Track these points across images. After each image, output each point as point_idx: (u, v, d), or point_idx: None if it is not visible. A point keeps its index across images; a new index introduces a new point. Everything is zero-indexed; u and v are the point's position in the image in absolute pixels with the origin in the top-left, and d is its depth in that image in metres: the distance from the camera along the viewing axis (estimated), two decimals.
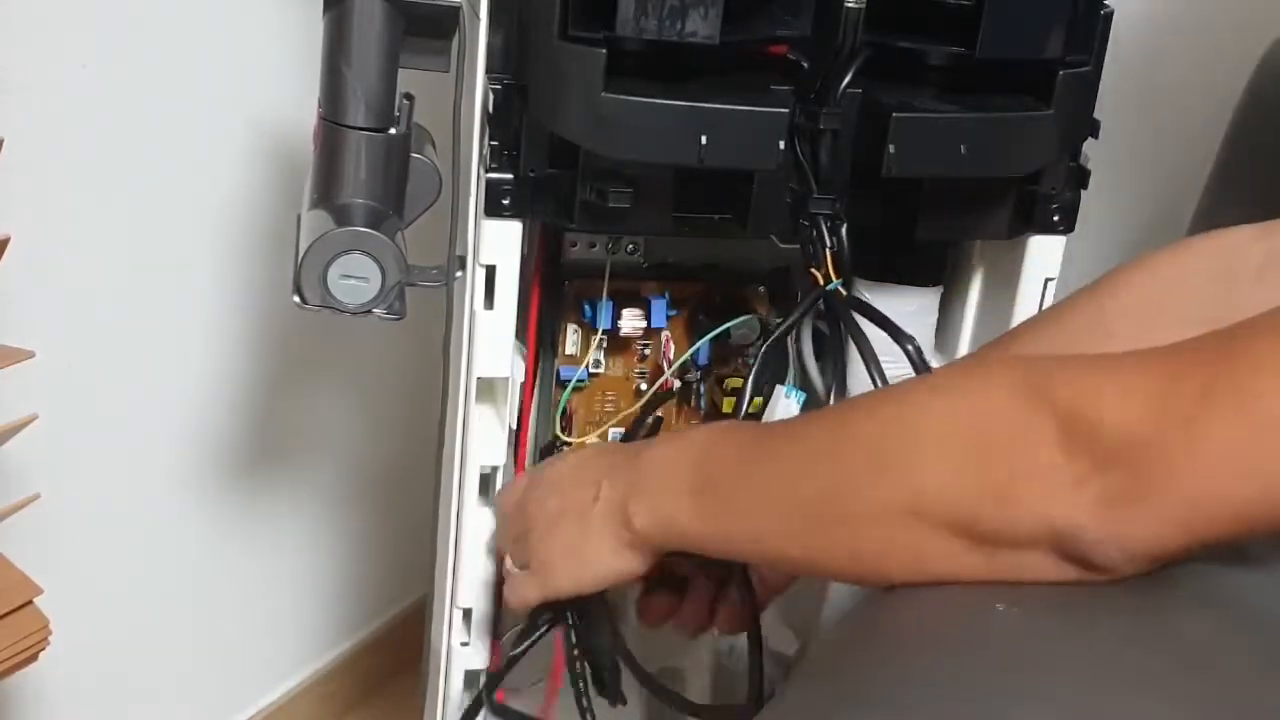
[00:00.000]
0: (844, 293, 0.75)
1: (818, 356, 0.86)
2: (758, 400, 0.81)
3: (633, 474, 0.66)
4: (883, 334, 0.86)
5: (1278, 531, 0.50)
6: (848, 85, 0.74)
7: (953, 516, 0.53)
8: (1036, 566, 0.52)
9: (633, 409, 0.88)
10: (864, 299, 0.77)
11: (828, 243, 0.75)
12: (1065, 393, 0.51)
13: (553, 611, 0.75)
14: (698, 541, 0.63)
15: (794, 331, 0.84)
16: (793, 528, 0.59)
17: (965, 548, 0.53)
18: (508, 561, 0.74)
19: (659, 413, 0.87)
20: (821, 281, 0.75)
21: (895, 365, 0.86)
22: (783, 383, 0.83)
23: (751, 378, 0.79)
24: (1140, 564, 0.51)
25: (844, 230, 0.76)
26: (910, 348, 0.75)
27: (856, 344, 0.76)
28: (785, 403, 0.80)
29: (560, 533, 0.68)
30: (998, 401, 0.53)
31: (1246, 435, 0.48)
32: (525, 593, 0.72)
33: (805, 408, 0.80)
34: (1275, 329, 0.49)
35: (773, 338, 0.80)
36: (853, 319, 0.76)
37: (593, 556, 0.67)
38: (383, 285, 0.73)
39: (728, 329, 0.86)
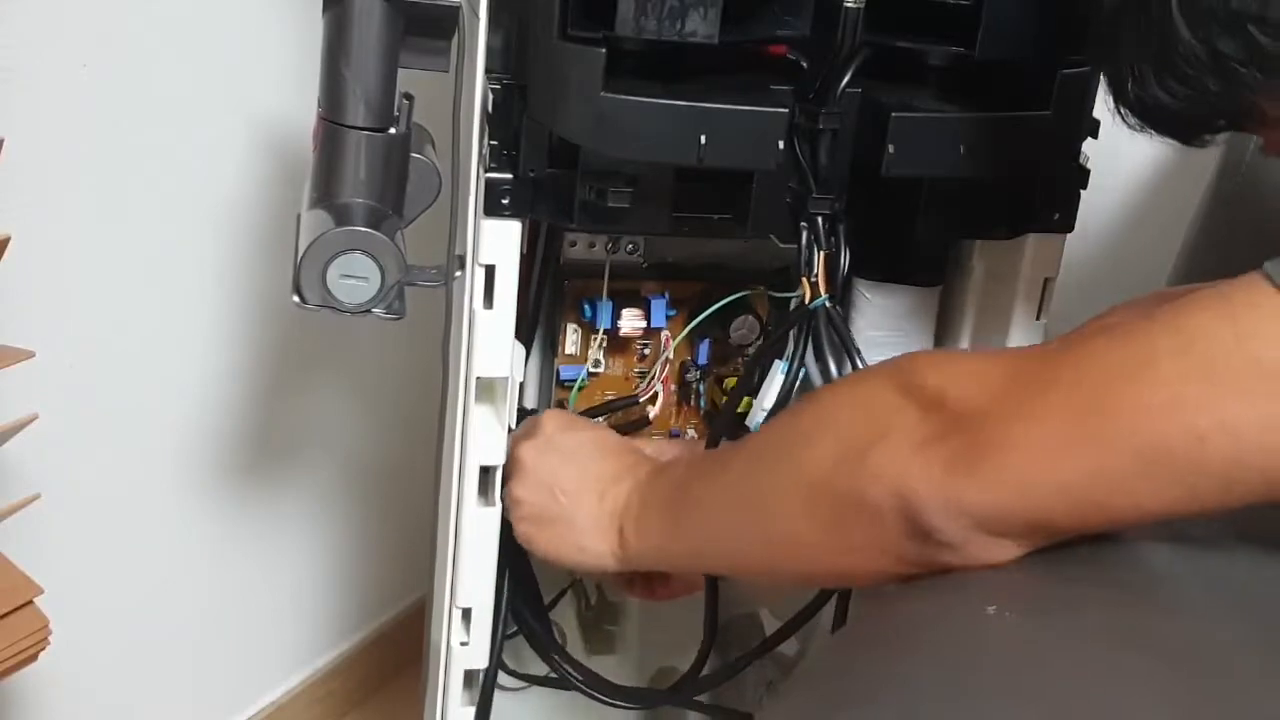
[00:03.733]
0: (830, 308, 0.76)
1: (816, 358, 0.86)
2: (748, 400, 0.82)
3: (630, 496, 0.74)
4: (884, 333, 0.86)
5: (1116, 525, 0.54)
6: (847, 85, 0.74)
7: (829, 491, 0.59)
8: (893, 542, 0.57)
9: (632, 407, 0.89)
10: (836, 319, 0.78)
11: (824, 244, 0.75)
12: (928, 378, 0.58)
13: None
14: (671, 566, 0.76)
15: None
16: (734, 537, 0.67)
17: (840, 523, 0.59)
18: (515, 507, 0.79)
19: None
20: (809, 296, 0.75)
21: None
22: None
23: (740, 384, 0.82)
24: (983, 541, 0.55)
25: (843, 230, 0.76)
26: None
27: (847, 353, 0.77)
28: (778, 378, 0.81)
29: (556, 506, 0.77)
30: (873, 387, 0.61)
31: (1072, 420, 0.53)
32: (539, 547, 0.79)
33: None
34: (1108, 330, 0.55)
35: (757, 353, 0.83)
36: (841, 333, 0.77)
37: (588, 547, 0.76)
38: (382, 285, 0.73)
39: (722, 318, 0.86)
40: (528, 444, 0.79)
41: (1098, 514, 0.54)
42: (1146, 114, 0.58)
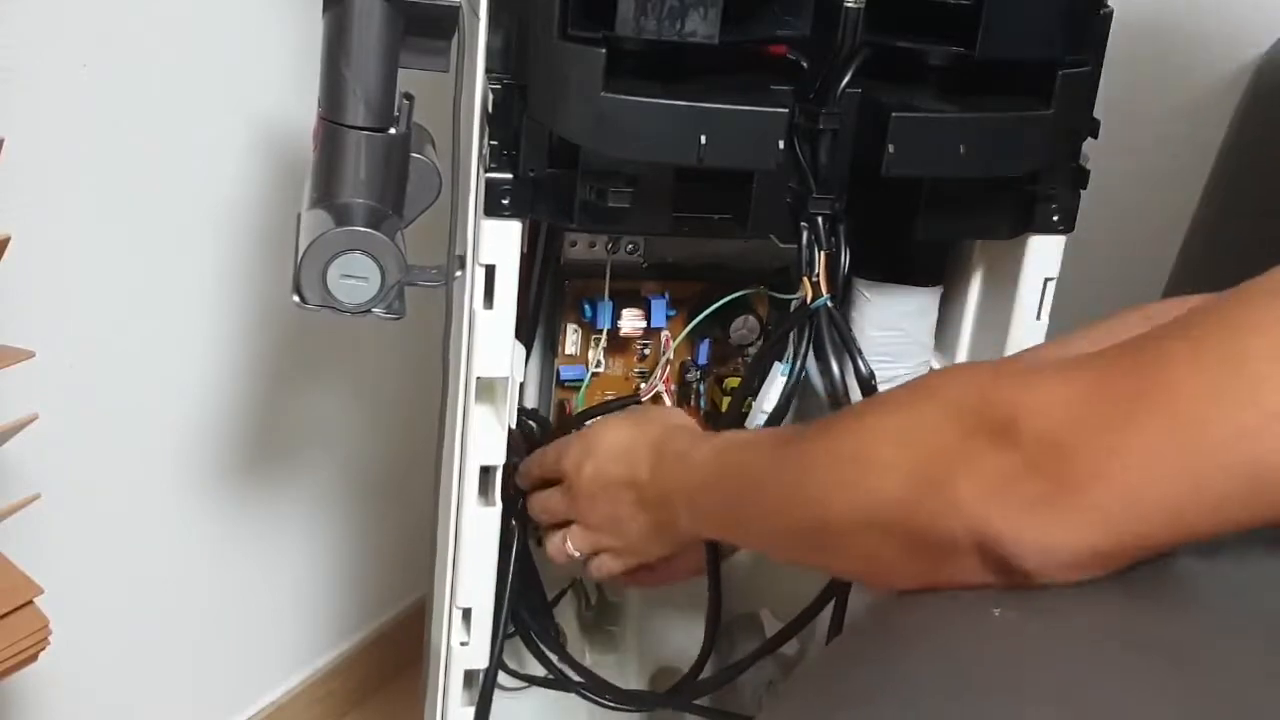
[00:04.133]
0: (831, 308, 0.76)
1: (818, 357, 0.86)
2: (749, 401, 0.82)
3: (668, 480, 0.75)
4: (884, 333, 0.86)
5: (1216, 533, 0.51)
6: (847, 85, 0.74)
7: (899, 525, 0.56)
8: (970, 574, 0.54)
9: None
10: (838, 319, 0.78)
11: (824, 245, 0.75)
12: (994, 404, 0.54)
13: None
14: (726, 542, 0.78)
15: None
16: (790, 543, 0.66)
17: (912, 555, 0.56)
18: (569, 544, 0.82)
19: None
20: (810, 296, 0.75)
21: (893, 365, 0.86)
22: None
23: (742, 385, 0.82)
24: (1068, 570, 0.52)
25: (843, 230, 0.76)
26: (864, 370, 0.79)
27: (849, 354, 0.77)
28: (778, 381, 0.82)
29: (600, 515, 0.79)
30: (936, 417, 0.56)
31: (1167, 437, 0.49)
32: (609, 567, 0.82)
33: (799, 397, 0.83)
34: (1183, 334, 0.51)
35: (759, 354, 0.82)
36: (842, 334, 0.77)
37: (646, 542, 0.78)
38: (382, 285, 0.73)
39: (722, 318, 0.86)
40: (568, 457, 0.80)
41: (1196, 534, 0.51)
42: None
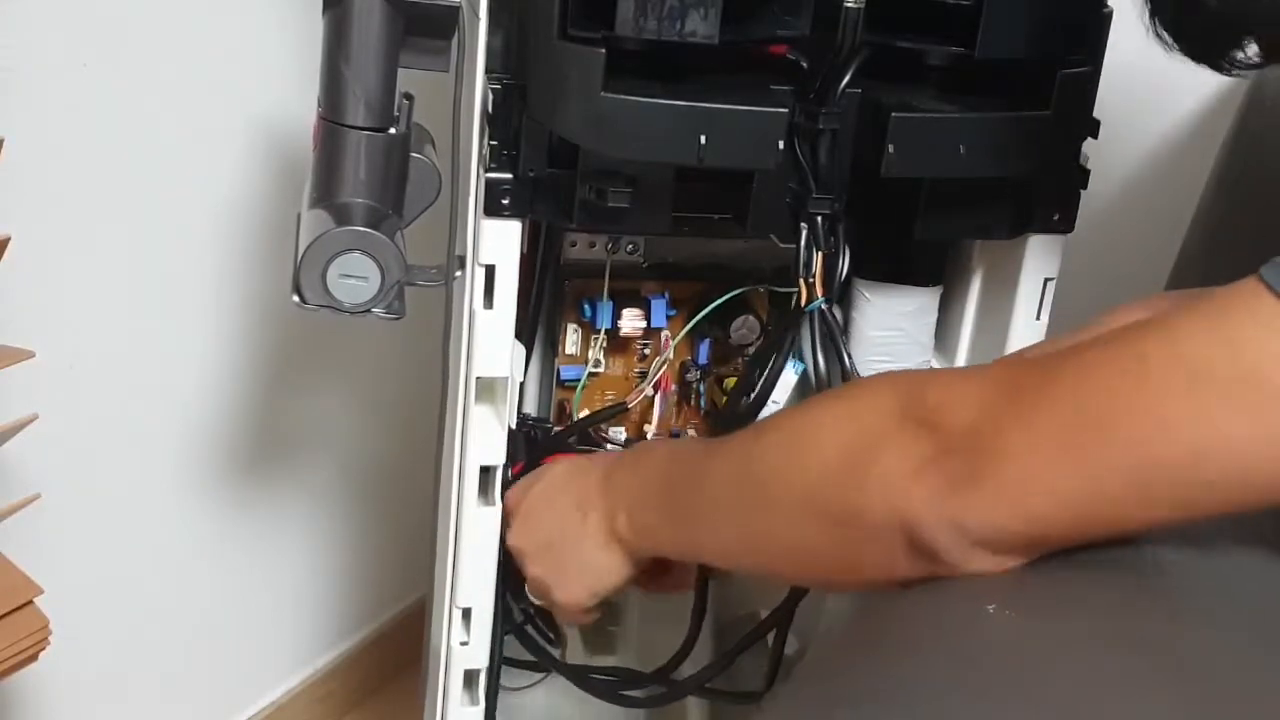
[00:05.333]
0: (825, 310, 0.76)
1: (811, 360, 0.86)
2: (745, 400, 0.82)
3: (611, 495, 0.75)
4: (884, 333, 0.86)
5: (1117, 531, 0.54)
6: (847, 85, 0.74)
7: (829, 503, 0.59)
8: (895, 558, 0.57)
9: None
10: (831, 322, 0.79)
11: (823, 245, 0.75)
12: (925, 394, 0.57)
13: None
14: (670, 551, 0.74)
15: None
16: (731, 535, 0.68)
17: (842, 539, 0.59)
18: (534, 585, 0.81)
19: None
20: (805, 298, 0.75)
21: (893, 365, 0.86)
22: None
23: (740, 384, 0.83)
24: (976, 551, 0.55)
25: (842, 230, 0.76)
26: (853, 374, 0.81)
27: (839, 357, 0.77)
28: (790, 379, 0.83)
29: (561, 560, 0.78)
30: (873, 405, 0.60)
31: (1067, 432, 0.52)
32: (564, 616, 0.82)
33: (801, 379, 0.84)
34: (1102, 339, 0.54)
35: (757, 353, 0.83)
36: (834, 337, 0.77)
37: (604, 569, 0.76)
38: (382, 284, 0.73)
39: (722, 319, 0.86)
40: (512, 534, 0.80)
41: (1096, 528, 0.54)
42: (1184, 27, 0.57)
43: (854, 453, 0.59)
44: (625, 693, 0.94)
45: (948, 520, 0.54)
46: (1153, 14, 0.59)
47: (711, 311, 0.86)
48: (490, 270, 0.76)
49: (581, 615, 0.80)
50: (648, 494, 0.73)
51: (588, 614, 0.80)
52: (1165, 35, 0.59)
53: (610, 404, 0.89)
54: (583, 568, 0.77)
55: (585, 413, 0.88)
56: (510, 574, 0.83)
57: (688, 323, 0.87)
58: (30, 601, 0.79)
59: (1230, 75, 0.61)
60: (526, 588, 0.82)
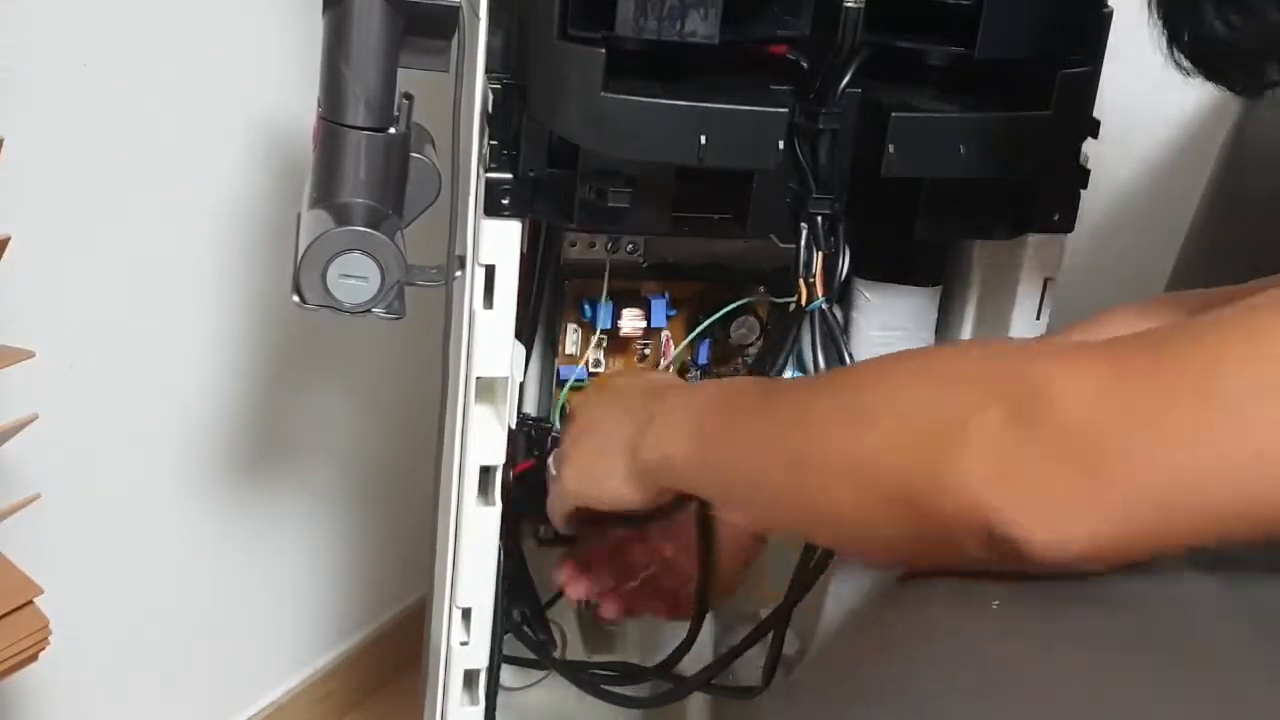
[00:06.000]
0: (825, 310, 0.76)
1: (811, 361, 0.86)
2: None
3: (651, 412, 0.69)
4: (884, 333, 0.86)
5: (1225, 539, 0.48)
6: (847, 85, 0.74)
7: (892, 486, 0.52)
8: (969, 554, 0.51)
9: None
10: (830, 322, 0.78)
11: (823, 245, 0.75)
12: (1025, 377, 0.50)
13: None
14: (688, 482, 0.67)
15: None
16: (764, 486, 0.61)
17: (907, 529, 0.52)
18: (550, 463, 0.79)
19: None
20: (805, 298, 0.75)
21: None
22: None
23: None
24: (1074, 562, 0.49)
25: (842, 230, 0.76)
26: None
27: (840, 358, 0.77)
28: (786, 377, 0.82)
29: (584, 446, 0.74)
30: (954, 371, 0.53)
31: (1200, 440, 0.46)
32: (551, 500, 0.78)
33: None
34: (1223, 325, 0.48)
35: (759, 354, 0.83)
36: (834, 337, 0.77)
37: (603, 476, 0.72)
38: (382, 284, 0.73)
39: (722, 318, 0.86)
40: (575, 396, 0.79)
41: (1204, 540, 0.49)
42: (1202, 54, 0.55)
43: (927, 429, 0.52)
44: (625, 690, 0.94)
45: (1047, 532, 0.48)
46: (1169, 41, 0.56)
47: (702, 301, 0.86)
48: (490, 270, 0.76)
49: (562, 512, 0.77)
50: (683, 425, 0.67)
51: (569, 517, 0.77)
52: (1183, 62, 0.56)
53: None
54: (592, 467, 0.73)
55: None
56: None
57: (688, 323, 0.87)
58: (30, 601, 0.79)
59: (1250, 97, 0.59)
60: (551, 461, 0.79)
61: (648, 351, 0.88)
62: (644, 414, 0.70)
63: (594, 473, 0.73)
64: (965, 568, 0.53)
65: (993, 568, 0.51)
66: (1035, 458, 0.48)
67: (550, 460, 0.79)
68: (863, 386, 0.58)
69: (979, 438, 0.49)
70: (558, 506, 0.78)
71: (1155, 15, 0.56)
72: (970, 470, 0.49)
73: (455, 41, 0.73)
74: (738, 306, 0.86)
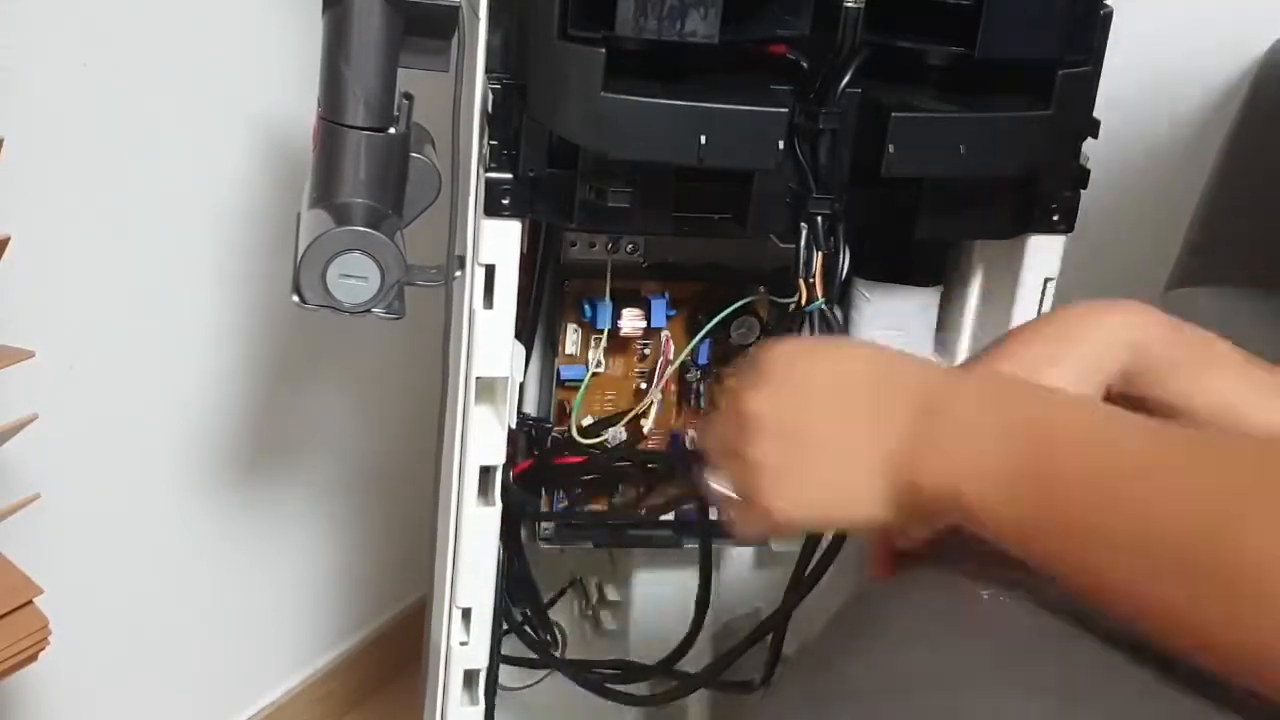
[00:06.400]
0: (825, 311, 0.76)
1: None
2: None
3: (929, 425, 0.55)
4: (884, 333, 0.86)
5: None
6: (847, 85, 0.74)
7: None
8: None
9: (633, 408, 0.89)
10: (833, 321, 0.78)
11: (823, 245, 0.75)
12: None
13: None
14: (994, 531, 0.53)
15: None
16: (1151, 572, 0.47)
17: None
18: (716, 478, 0.62)
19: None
20: (806, 299, 0.75)
21: None
22: None
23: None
24: None
25: (842, 230, 0.76)
26: None
27: None
28: None
29: (806, 462, 0.58)
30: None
31: None
32: (748, 524, 0.61)
33: None
34: None
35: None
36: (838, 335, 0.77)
37: (855, 498, 0.57)
38: (382, 284, 0.73)
39: (724, 319, 0.86)
40: (755, 394, 0.60)
41: None
42: None
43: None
44: (625, 689, 0.94)
45: None
46: None
47: (702, 301, 0.86)
48: (490, 270, 0.76)
49: (766, 533, 0.66)
50: (989, 445, 0.53)
51: (777, 537, 0.67)
52: None
53: (610, 404, 0.89)
54: (831, 486, 0.58)
55: (588, 418, 0.89)
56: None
57: (688, 323, 0.87)
58: (30, 601, 0.79)
59: None
60: (718, 464, 0.62)
61: (648, 351, 0.88)
62: (905, 423, 0.56)
63: (834, 499, 0.58)
64: None
65: None
66: None
67: (712, 477, 0.62)
68: (1248, 468, 0.47)
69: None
70: (763, 530, 0.61)
71: None
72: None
73: (455, 41, 0.73)
74: (738, 306, 0.86)
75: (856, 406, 0.58)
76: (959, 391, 0.57)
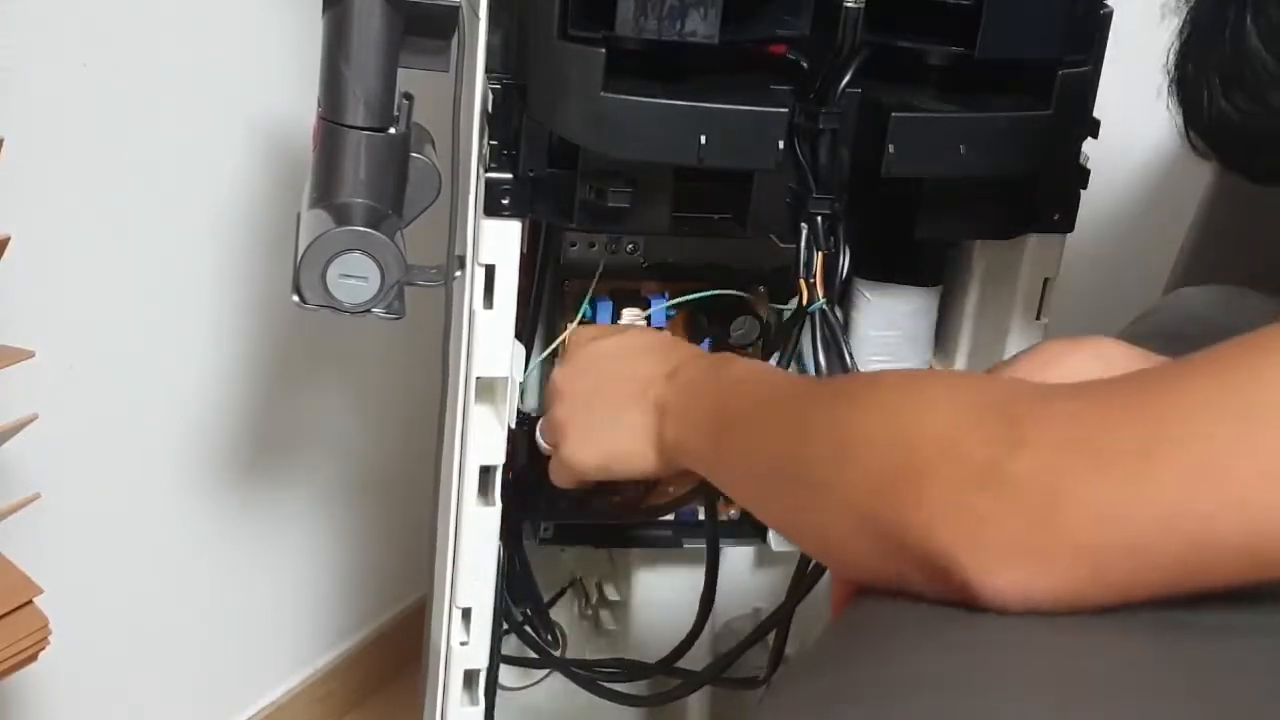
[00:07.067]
0: (826, 311, 0.76)
1: (814, 362, 0.86)
2: None
3: (672, 392, 0.71)
4: (884, 332, 0.86)
5: (1207, 590, 0.47)
6: (847, 85, 0.74)
7: (867, 520, 0.52)
8: (931, 587, 0.51)
9: None
10: (833, 323, 0.78)
11: (823, 245, 0.75)
12: (993, 423, 0.49)
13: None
14: (704, 472, 0.69)
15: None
16: (763, 489, 0.63)
17: (879, 552, 0.52)
18: (539, 437, 0.79)
19: None
20: (807, 299, 0.75)
21: (893, 365, 0.86)
22: None
23: None
24: (1036, 609, 0.48)
25: (842, 230, 0.76)
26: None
27: (841, 359, 0.77)
28: None
29: (592, 419, 0.75)
30: (936, 417, 0.52)
31: (1173, 494, 0.46)
32: (556, 471, 0.78)
33: None
34: (1200, 373, 0.48)
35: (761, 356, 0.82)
36: (836, 339, 0.77)
37: (627, 450, 0.73)
38: (382, 284, 0.73)
39: (721, 318, 0.86)
40: (562, 368, 0.78)
41: (1185, 590, 0.48)
42: (1213, 137, 0.56)
43: (902, 478, 0.51)
44: (625, 689, 0.94)
45: (1008, 586, 0.48)
46: (1185, 123, 0.56)
47: (702, 306, 0.86)
48: (490, 270, 0.76)
49: (574, 481, 0.77)
50: (703, 413, 0.69)
51: (581, 484, 0.77)
52: (1198, 144, 0.57)
53: None
54: (609, 440, 0.74)
55: None
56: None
57: (688, 323, 0.87)
58: (30, 601, 0.79)
59: (1263, 184, 0.58)
60: (540, 426, 0.79)
61: None
62: (659, 390, 0.72)
63: (616, 452, 0.74)
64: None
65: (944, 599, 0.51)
66: (998, 513, 0.48)
67: (540, 431, 0.79)
68: (854, 407, 0.57)
69: (943, 486, 0.49)
70: (565, 477, 0.78)
71: (1172, 98, 0.57)
72: (934, 519, 0.49)
73: (455, 41, 0.73)
74: (737, 305, 0.86)
75: (627, 377, 0.73)
76: (695, 363, 0.73)
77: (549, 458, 0.79)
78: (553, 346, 0.84)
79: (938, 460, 0.50)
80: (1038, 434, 0.48)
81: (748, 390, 0.67)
